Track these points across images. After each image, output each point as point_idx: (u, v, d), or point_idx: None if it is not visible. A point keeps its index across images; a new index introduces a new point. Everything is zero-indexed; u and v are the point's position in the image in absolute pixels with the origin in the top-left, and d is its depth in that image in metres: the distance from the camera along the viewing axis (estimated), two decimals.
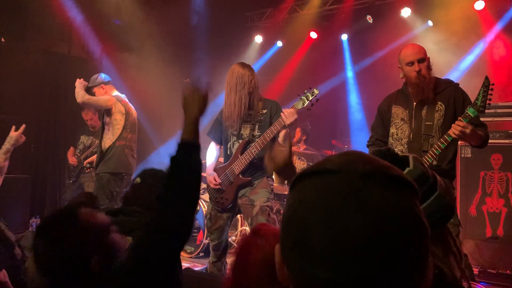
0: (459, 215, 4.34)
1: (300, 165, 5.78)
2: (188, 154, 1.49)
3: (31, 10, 5.85)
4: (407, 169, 1.08)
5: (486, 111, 4.32)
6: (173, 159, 1.47)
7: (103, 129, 4.39)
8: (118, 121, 4.31)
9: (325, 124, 7.44)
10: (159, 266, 1.40)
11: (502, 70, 5.99)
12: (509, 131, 4.30)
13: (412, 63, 2.86)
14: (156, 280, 1.39)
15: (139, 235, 1.51)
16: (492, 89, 2.57)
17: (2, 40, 5.71)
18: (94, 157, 5.15)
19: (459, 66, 6.37)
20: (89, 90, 4.39)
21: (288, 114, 3.03)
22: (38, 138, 6.10)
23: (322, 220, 0.60)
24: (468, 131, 2.54)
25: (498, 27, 6.25)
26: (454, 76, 6.22)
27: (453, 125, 2.61)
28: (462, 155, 4.41)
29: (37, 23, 6.00)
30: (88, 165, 5.44)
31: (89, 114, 5.65)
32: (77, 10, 6.39)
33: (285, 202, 5.05)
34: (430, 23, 6.78)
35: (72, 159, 5.69)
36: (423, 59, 2.86)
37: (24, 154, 5.55)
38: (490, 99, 2.57)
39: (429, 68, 2.88)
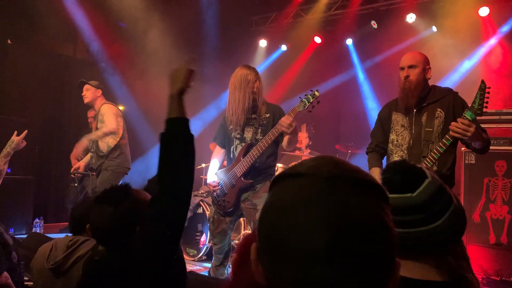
0: None
1: None
2: (176, 127, 1.50)
3: (37, 12, 5.89)
4: (426, 181, 1.09)
5: (490, 117, 4.37)
6: (162, 135, 1.49)
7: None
8: (119, 122, 4.71)
9: (329, 128, 7.44)
10: (158, 254, 1.44)
11: (502, 77, 5.98)
12: None
13: (402, 69, 2.91)
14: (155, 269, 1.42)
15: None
16: (488, 92, 2.57)
17: (9, 41, 5.75)
18: (87, 159, 5.10)
19: (458, 70, 6.38)
20: (81, 84, 4.77)
21: (286, 125, 3.02)
22: (42, 140, 6.13)
23: (288, 222, 0.62)
24: (472, 129, 2.52)
25: (500, 34, 6.26)
26: (453, 79, 6.25)
27: (453, 123, 2.58)
28: (466, 162, 4.39)
29: (43, 25, 6.03)
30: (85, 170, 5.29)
31: (93, 113, 5.62)
32: (83, 13, 6.45)
33: None
34: (434, 28, 6.78)
35: (74, 162, 5.62)
36: (414, 66, 2.86)
37: (28, 156, 5.57)
38: (487, 102, 2.56)
39: (422, 76, 2.87)
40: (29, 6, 5.78)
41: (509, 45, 6.17)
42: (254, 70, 3.38)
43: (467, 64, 6.44)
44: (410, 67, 2.87)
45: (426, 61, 2.91)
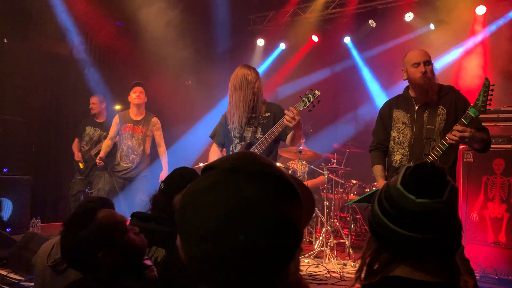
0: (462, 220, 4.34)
1: (301, 167, 5.77)
2: None
3: (34, 11, 5.86)
4: (449, 185, 1.08)
5: (489, 116, 4.38)
6: None
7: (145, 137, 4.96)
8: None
9: (327, 128, 7.44)
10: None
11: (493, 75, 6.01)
12: (511, 136, 4.29)
13: (418, 64, 2.85)
14: None
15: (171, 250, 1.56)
16: (492, 90, 2.57)
17: (5, 40, 5.72)
18: (99, 148, 5.14)
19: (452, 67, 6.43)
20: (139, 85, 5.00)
21: (290, 118, 3.00)
22: (40, 139, 6.10)
23: (192, 206, 0.72)
24: (467, 134, 2.52)
25: (488, 32, 6.31)
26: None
27: (448, 135, 2.60)
28: (464, 160, 4.39)
29: (40, 24, 6.01)
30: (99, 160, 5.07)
31: (94, 99, 5.56)
32: (79, 12, 6.42)
33: None
34: (432, 26, 6.79)
35: (77, 154, 5.52)
36: (429, 62, 2.86)
37: (25, 155, 5.55)
38: (491, 99, 2.56)
39: (433, 72, 2.87)
40: (26, 5, 5.76)
41: (497, 43, 6.16)
42: (254, 69, 3.36)
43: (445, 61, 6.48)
44: (426, 63, 2.84)
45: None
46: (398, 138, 2.98)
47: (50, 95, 6.46)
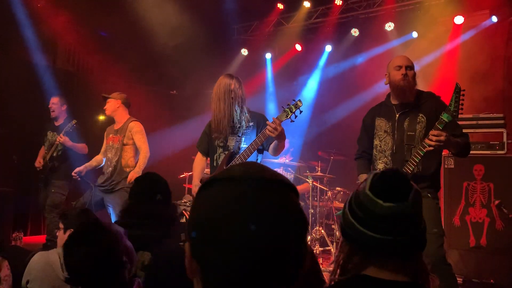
0: (443, 225, 4.41)
1: (286, 176, 5.79)
2: None
3: (15, 22, 5.82)
4: (413, 189, 1.16)
5: (468, 122, 4.48)
6: None
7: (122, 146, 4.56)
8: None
9: (311, 135, 7.49)
10: None
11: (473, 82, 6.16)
12: (490, 142, 4.39)
13: (400, 67, 2.94)
14: None
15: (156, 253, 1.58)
16: (463, 95, 2.64)
17: None
18: (52, 152, 4.93)
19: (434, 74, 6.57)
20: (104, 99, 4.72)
21: (272, 129, 3.03)
22: (22, 151, 6.01)
23: (223, 216, 0.72)
24: (442, 138, 2.59)
25: (459, 41, 6.48)
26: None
27: (426, 140, 2.66)
28: (446, 166, 4.47)
29: (21, 35, 5.96)
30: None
31: (55, 99, 5.24)
32: (63, 23, 6.40)
33: None
34: (414, 34, 6.93)
35: (39, 161, 5.10)
36: (411, 67, 2.94)
37: (7, 167, 5.47)
38: (462, 104, 2.64)
39: (414, 78, 2.95)
40: (6, 16, 5.72)
41: (473, 49, 6.31)
42: (236, 79, 3.39)
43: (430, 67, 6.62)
44: (408, 67, 2.93)
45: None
46: (380, 146, 3.03)
47: (32, 106, 6.38)
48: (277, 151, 3.31)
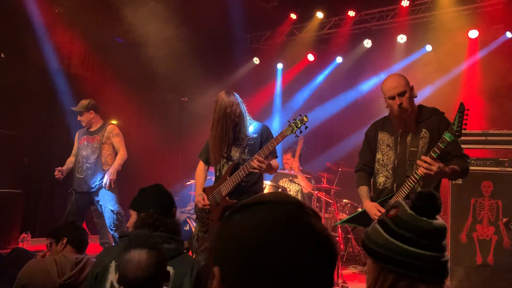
0: (449, 242, 4.34)
1: (294, 187, 5.77)
2: None
3: (32, 26, 5.95)
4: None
5: (477, 138, 4.41)
6: None
7: (101, 144, 4.84)
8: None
9: (320, 147, 7.47)
10: None
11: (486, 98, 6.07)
12: (499, 159, 4.31)
13: (393, 98, 2.88)
14: None
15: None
16: (467, 114, 2.60)
17: (2, 55, 5.78)
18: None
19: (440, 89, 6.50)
20: (80, 114, 4.92)
21: (258, 166, 3.10)
22: (33, 153, 6.11)
23: (271, 241, 0.71)
24: (434, 168, 2.56)
25: (479, 56, 6.41)
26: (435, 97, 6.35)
27: (419, 162, 2.62)
28: (453, 182, 4.41)
29: (37, 39, 6.08)
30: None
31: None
32: (78, 28, 6.52)
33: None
34: (428, 48, 6.89)
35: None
36: (404, 92, 2.86)
37: (17, 169, 5.55)
38: (465, 124, 2.59)
39: (411, 98, 2.89)
40: (24, 20, 5.85)
41: (490, 66, 6.25)
42: (234, 97, 3.35)
43: (450, 84, 6.56)
44: (400, 94, 2.85)
45: (408, 83, 2.92)
46: (383, 161, 3.00)
47: (45, 109, 6.50)
48: (272, 174, 3.39)
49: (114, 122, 7.63)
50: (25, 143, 5.79)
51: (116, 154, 4.91)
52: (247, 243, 0.72)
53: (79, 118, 4.93)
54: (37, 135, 6.25)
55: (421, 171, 2.61)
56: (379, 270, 1.22)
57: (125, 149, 4.88)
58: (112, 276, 1.83)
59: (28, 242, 5.18)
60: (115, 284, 1.79)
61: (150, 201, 2.20)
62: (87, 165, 4.76)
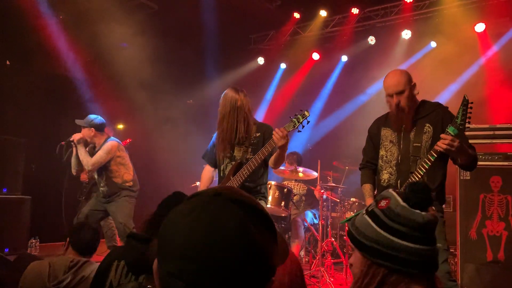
0: (458, 238, 4.27)
1: (299, 188, 5.74)
2: None
3: (35, 33, 5.99)
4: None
5: (485, 133, 4.34)
6: None
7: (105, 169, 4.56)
8: (124, 158, 4.67)
9: (326, 145, 7.42)
10: None
11: (496, 91, 5.98)
12: (508, 153, 4.24)
13: (391, 96, 2.87)
14: None
15: None
16: (471, 107, 2.54)
17: (7, 63, 5.84)
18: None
19: (454, 86, 6.40)
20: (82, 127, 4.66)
21: (279, 137, 3.01)
22: (40, 159, 6.16)
23: (172, 228, 0.77)
24: (456, 143, 2.50)
25: (495, 49, 6.30)
26: (447, 94, 6.25)
27: (438, 142, 2.57)
28: (461, 177, 4.35)
29: (42, 46, 6.13)
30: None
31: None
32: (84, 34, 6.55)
33: (282, 224, 5.01)
34: (433, 44, 6.81)
35: (83, 176, 5.48)
36: (402, 91, 2.83)
37: (25, 175, 5.60)
38: (469, 117, 2.54)
39: (410, 97, 2.85)
40: (27, 27, 5.89)
41: (506, 59, 6.17)
42: (242, 93, 3.36)
43: (460, 78, 6.46)
44: (398, 93, 2.83)
45: (409, 80, 2.88)
46: (386, 157, 2.96)
47: (51, 115, 6.54)
48: (279, 163, 3.29)
49: (121, 126, 7.70)
50: (32, 150, 5.83)
51: (125, 168, 4.66)
52: (163, 228, 0.79)
53: (82, 131, 4.63)
54: (44, 142, 6.29)
55: (440, 146, 2.54)
56: (369, 265, 1.19)
57: (96, 164, 4.48)
58: (112, 275, 1.81)
59: (36, 248, 5.22)
60: (114, 283, 1.78)
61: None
62: (102, 188, 4.62)
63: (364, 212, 1.26)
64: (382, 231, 1.17)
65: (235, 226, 0.74)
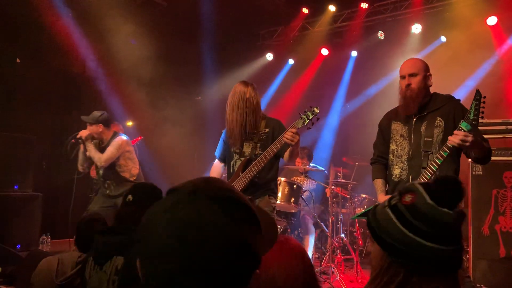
0: (470, 234, 4.23)
1: (308, 184, 5.71)
2: None
3: (46, 30, 6.02)
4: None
5: (498, 128, 4.28)
6: None
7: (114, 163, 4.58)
8: (132, 152, 4.70)
9: (336, 141, 7.38)
10: None
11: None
12: None
13: (403, 77, 2.84)
14: None
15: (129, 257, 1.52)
16: (484, 102, 2.50)
17: (18, 60, 5.87)
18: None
19: (470, 81, 6.30)
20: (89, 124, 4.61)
21: (291, 137, 3.00)
22: (51, 156, 6.20)
23: (150, 226, 0.76)
24: (469, 138, 2.45)
25: (510, 42, 6.19)
26: (463, 90, 6.15)
27: (450, 137, 2.52)
28: (473, 173, 4.30)
29: (52, 43, 6.16)
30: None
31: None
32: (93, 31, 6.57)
33: (291, 220, 4.99)
34: (443, 38, 6.72)
35: (93, 172, 5.38)
36: (415, 73, 2.80)
37: (36, 172, 5.63)
38: (482, 112, 2.49)
39: (423, 83, 2.80)
40: (38, 24, 5.92)
41: None
42: (252, 86, 3.36)
43: (475, 73, 6.36)
44: (411, 75, 2.81)
45: (426, 68, 2.85)
46: (397, 151, 2.92)
47: (62, 112, 6.58)
48: (293, 158, 3.28)
49: (130, 123, 7.73)
50: (43, 147, 5.87)
51: (133, 162, 4.68)
52: (142, 226, 0.79)
53: (88, 127, 4.60)
54: (55, 139, 6.33)
55: (453, 141, 2.49)
56: (389, 263, 1.10)
57: (109, 160, 4.50)
58: (87, 272, 1.94)
59: (48, 244, 5.25)
60: (87, 279, 1.91)
61: None
62: (108, 182, 4.66)
63: (386, 204, 1.16)
64: (408, 232, 1.08)
65: (214, 224, 0.73)
